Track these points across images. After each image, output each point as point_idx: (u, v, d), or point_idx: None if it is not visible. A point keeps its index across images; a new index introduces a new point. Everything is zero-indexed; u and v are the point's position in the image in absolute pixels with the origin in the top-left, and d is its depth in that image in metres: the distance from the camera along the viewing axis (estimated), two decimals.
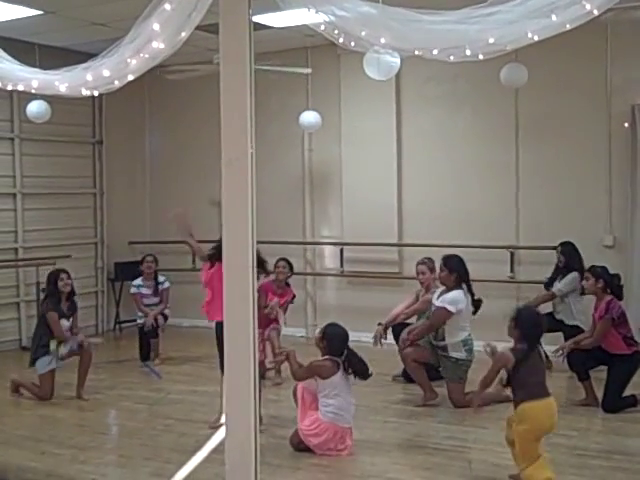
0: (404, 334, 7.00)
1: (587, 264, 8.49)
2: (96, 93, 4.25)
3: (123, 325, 10.74)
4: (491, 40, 3.21)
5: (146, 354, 8.77)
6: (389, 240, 9.64)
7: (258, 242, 10.67)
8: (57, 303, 7.41)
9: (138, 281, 8.94)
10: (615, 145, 8.50)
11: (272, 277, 8.26)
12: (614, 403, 6.51)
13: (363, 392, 6.84)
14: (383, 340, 7.48)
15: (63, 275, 7.48)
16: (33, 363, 7.38)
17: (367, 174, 9.69)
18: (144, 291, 8.91)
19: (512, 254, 9.04)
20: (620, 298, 6.84)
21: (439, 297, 6.96)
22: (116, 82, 4.10)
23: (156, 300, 8.93)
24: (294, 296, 8.17)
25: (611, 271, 8.31)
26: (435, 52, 3.51)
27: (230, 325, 3.87)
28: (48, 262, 9.58)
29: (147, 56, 3.85)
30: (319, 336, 5.81)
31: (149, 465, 5.47)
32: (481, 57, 3.16)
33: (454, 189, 9.32)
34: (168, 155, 11.16)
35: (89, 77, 4.05)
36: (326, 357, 5.73)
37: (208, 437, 5.97)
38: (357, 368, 5.69)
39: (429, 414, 6.66)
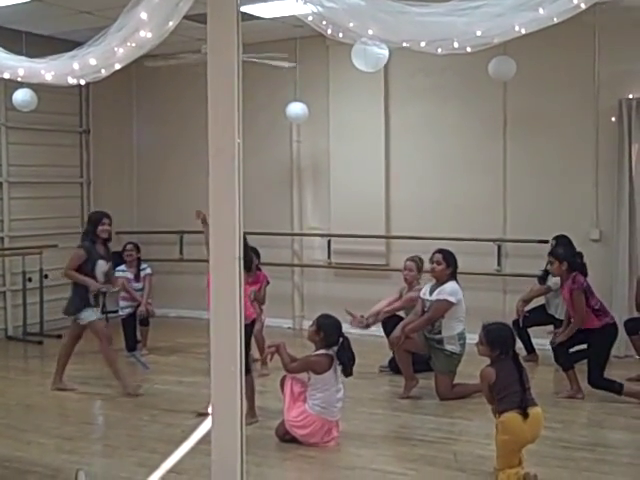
0: (398, 329, 6.97)
1: None
2: (82, 82, 4.23)
3: (110, 315, 10.67)
4: (478, 33, 3.21)
5: (132, 344, 8.73)
6: (376, 232, 9.65)
7: (245, 233, 10.67)
8: (92, 243, 7.19)
9: (122, 267, 8.89)
10: (602, 139, 8.52)
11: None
12: (596, 378, 6.59)
13: (350, 383, 6.82)
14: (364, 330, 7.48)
15: (105, 220, 7.23)
16: (74, 313, 7.23)
17: (355, 166, 9.68)
18: (128, 275, 8.85)
19: (499, 247, 9.06)
20: (585, 275, 6.99)
21: (433, 291, 6.96)
22: (103, 71, 4.08)
23: (139, 286, 8.89)
24: (268, 282, 8.13)
25: (597, 265, 8.42)
26: (423, 44, 3.51)
27: (216, 316, 3.87)
28: (34, 251, 9.56)
29: (134, 45, 3.83)
30: (313, 329, 5.77)
31: (135, 455, 5.47)
32: (469, 50, 3.16)
33: (441, 182, 9.33)
34: (156, 145, 11.12)
35: (75, 66, 4.03)
36: (322, 352, 5.70)
37: (194, 427, 5.97)
38: (345, 362, 5.69)
39: (415, 406, 6.68)
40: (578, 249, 8.53)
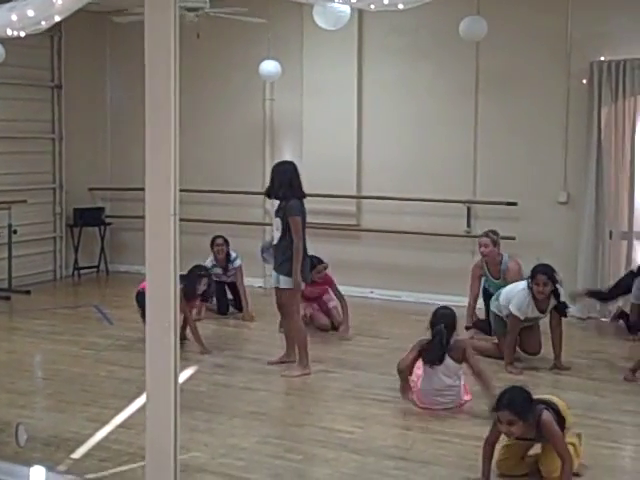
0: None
1: (542, 220, 8.62)
2: (22, 34, 4.16)
3: (82, 271, 10.70)
4: None
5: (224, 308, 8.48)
6: (348, 192, 9.62)
7: (217, 191, 10.61)
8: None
9: (210, 261, 8.38)
10: (573, 101, 8.47)
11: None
12: None
13: (316, 346, 6.94)
14: None
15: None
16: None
17: (327, 125, 9.61)
18: (218, 271, 8.34)
19: (469, 209, 9.05)
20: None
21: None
22: (43, 23, 4.01)
23: (227, 279, 8.52)
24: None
25: (564, 228, 8.46)
26: (354, 0, 3.46)
27: (152, 271, 3.85)
28: (3, 206, 9.50)
29: None
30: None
31: (87, 410, 5.51)
32: (401, 7, 3.11)
33: (413, 142, 9.29)
34: (129, 101, 10.99)
35: (14, 17, 3.96)
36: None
37: None
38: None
39: (374, 365, 6.71)
40: (546, 212, 8.60)
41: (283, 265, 6.35)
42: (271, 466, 4.58)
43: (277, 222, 6.45)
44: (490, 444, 4.36)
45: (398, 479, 4.40)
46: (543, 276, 6.33)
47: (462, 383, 5.54)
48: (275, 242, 6.49)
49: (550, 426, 4.18)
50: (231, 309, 8.53)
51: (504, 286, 7.00)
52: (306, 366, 6.37)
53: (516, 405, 4.17)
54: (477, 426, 5.06)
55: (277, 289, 6.47)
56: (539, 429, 4.20)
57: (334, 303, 7.86)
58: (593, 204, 8.25)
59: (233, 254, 8.48)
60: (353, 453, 4.75)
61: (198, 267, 7.29)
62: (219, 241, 8.36)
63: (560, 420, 4.30)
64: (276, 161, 7.25)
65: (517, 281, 6.85)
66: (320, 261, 7.62)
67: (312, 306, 7.83)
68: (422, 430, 5.15)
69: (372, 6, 3.19)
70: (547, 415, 4.20)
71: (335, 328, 7.78)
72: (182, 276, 6.54)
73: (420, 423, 5.29)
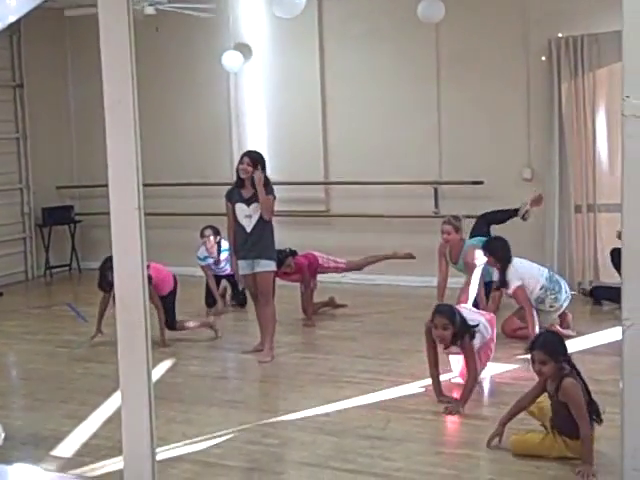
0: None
1: (508, 197, 8.71)
2: None
3: (54, 270, 10.67)
4: None
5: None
6: (315, 179, 9.68)
7: (186, 184, 10.58)
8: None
9: (202, 252, 8.31)
10: (533, 79, 8.57)
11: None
12: None
13: (286, 331, 7.01)
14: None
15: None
16: None
17: (292, 113, 9.66)
18: (209, 262, 8.31)
19: (436, 190, 9.13)
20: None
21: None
22: None
23: (220, 271, 8.42)
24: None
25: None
26: None
27: (119, 265, 3.88)
28: None
29: None
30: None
31: (64, 408, 5.53)
32: None
33: (378, 126, 9.34)
34: (92, 97, 10.73)
35: None
36: None
37: None
38: None
39: (348, 348, 6.78)
40: (511, 189, 8.69)
41: (265, 249, 6.42)
42: (248, 452, 4.64)
43: (252, 208, 6.41)
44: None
45: (374, 458, 4.47)
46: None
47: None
48: (249, 229, 6.43)
49: (570, 391, 4.25)
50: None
51: (462, 270, 7.12)
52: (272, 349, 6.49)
53: (550, 346, 4.38)
54: (450, 403, 5.16)
55: (256, 275, 6.47)
56: (559, 392, 4.30)
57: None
58: (557, 179, 8.38)
59: (225, 244, 8.42)
60: (329, 435, 4.82)
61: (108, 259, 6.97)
62: (207, 232, 8.25)
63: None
64: (244, 150, 7.22)
65: (473, 267, 6.89)
66: (286, 255, 7.62)
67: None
68: (396, 409, 5.23)
69: None
70: (570, 381, 4.28)
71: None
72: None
73: (394, 403, 5.37)
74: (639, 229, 2.89)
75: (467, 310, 5.68)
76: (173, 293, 7.18)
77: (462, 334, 5.22)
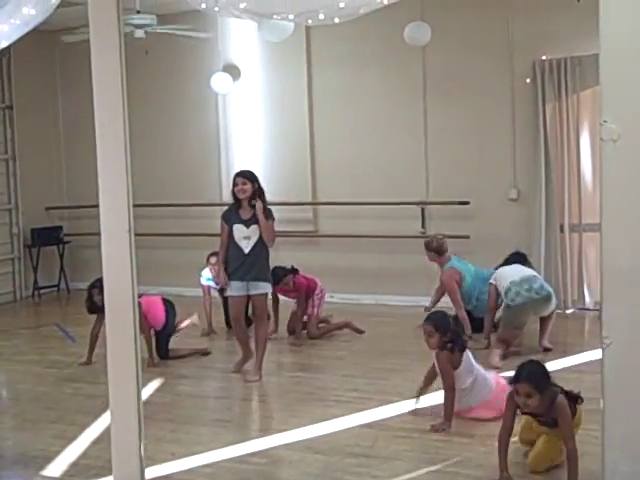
0: None
1: (495, 217, 8.82)
2: None
3: (42, 291, 10.69)
4: (342, 5, 3.28)
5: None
6: (303, 199, 9.76)
7: (176, 205, 10.58)
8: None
9: (207, 274, 8.27)
10: (518, 100, 8.69)
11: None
12: None
13: (275, 350, 7.04)
14: None
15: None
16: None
17: (280, 134, 9.77)
18: (213, 285, 8.24)
19: (423, 210, 9.22)
20: None
21: None
22: None
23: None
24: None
25: (515, 224, 8.66)
26: (291, 17, 3.58)
27: (109, 287, 3.94)
28: None
29: (18, 22, 3.85)
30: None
31: (53, 428, 5.54)
32: (337, 20, 3.24)
33: (365, 147, 9.44)
34: (82, 119, 10.95)
35: None
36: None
37: None
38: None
39: (336, 367, 6.83)
40: (498, 209, 8.81)
41: (262, 271, 6.47)
42: (237, 471, 4.67)
43: (251, 230, 6.44)
44: (506, 431, 4.39)
45: (361, 476, 4.51)
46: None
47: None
48: (247, 250, 6.44)
49: (564, 408, 4.29)
50: None
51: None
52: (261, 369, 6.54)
53: (535, 378, 4.30)
54: (436, 421, 5.21)
55: (252, 297, 6.50)
56: (551, 410, 4.32)
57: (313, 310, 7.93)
58: (543, 199, 8.48)
59: None
60: (317, 454, 4.86)
61: (96, 281, 6.68)
62: (212, 260, 8.13)
63: (573, 411, 4.42)
64: (234, 171, 7.28)
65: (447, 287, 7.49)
66: (286, 272, 7.71)
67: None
68: (383, 428, 5.28)
69: (309, 21, 3.32)
70: (562, 398, 4.33)
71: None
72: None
73: (382, 421, 5.41)
74: (617, 249, 2.96)
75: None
76: (166, 326, 7.20)
77: (449, 342, 5.27)
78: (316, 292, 7.93)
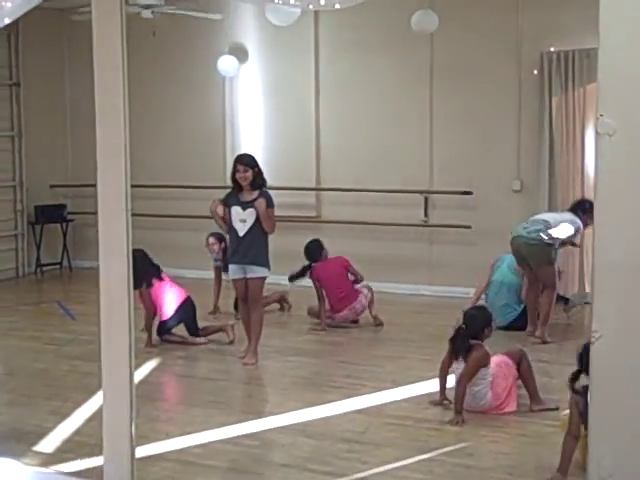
0: None
1: (497, 208, 8.81)
2: None
3: (44, 268, 10.73)
4: None
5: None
6: (307, 184, 9.75)
7: (180, 186, 10.56)
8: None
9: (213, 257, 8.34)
10: (524, 92, 8.66)
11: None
12: None
13: (274, 334, 7.07)
14: None
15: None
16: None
17: (286, 119, 9.76)
18: (219, 264, 8.25)
19: (426, 198, 9.21)
20: None
21: None
22: None
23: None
24: None
25: (518, 215, 8.57)
26: (292, 1, 3.58)
27: (106, 268, 3.96)
28: None
29: None
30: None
31: (48, 404, 5.58)
32: (337, 6, 3.24)
33: (370, 134, 9.43)
34: (88, 97, 10.87)
35: None
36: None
37: None
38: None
39: (333, 353, 6.86)
40: (500, 200, 8.79)
41: (258, 255, 6.46)
42: (228, 452, 4.70)
43: (247, 213, 6.44)
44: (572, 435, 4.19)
45: (351, 461, 4.54)
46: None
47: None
48: (242, 233, 6.46)
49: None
50: None
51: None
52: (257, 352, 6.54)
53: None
54: (428, 409, 5.25)
55: (247, 281, 6.51)
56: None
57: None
58: (546, 191, 8.47)
59: None
60: (308, 438, 4.89)
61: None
62: (211, 240, 8.23)
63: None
64: (237, 154, 7.28)
65: None
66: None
67: None
68: (376, 414, 5.30)
69: (310, 6, 3.32)
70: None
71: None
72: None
73: (375, 408, 5.44)
74: (610, 243, 2.96)
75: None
76: (171, 319, 7.13)
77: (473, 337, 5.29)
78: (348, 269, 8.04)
